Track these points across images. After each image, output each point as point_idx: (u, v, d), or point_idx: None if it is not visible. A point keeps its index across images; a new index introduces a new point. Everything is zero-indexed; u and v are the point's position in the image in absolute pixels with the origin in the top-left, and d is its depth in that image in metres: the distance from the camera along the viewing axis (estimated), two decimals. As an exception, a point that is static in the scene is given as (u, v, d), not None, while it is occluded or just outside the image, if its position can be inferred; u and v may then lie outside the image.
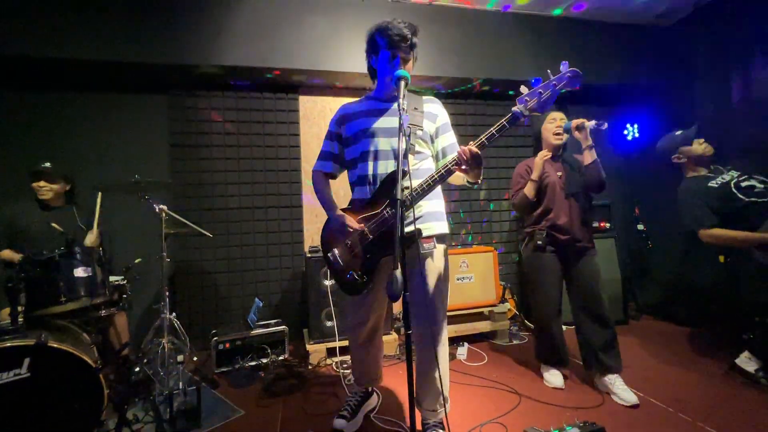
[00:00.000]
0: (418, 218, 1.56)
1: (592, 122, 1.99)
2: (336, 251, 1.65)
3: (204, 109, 3.05)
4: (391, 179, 1.51)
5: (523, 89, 1.37)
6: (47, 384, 1.57)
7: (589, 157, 2.06)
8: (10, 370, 1.50)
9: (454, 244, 3.50)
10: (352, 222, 1.56)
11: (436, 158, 1.68)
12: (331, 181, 1.80)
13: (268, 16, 2.79)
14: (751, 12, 2.89)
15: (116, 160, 2.92)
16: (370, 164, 1.59)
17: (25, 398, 1.52)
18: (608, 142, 3.90)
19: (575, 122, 2.05)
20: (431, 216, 1.60)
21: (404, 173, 1.37)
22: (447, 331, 1.67)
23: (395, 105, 1.58)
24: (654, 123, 3.63)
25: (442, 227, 1.64)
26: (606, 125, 1.95)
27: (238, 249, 3.09)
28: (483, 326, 2.95)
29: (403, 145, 1.25)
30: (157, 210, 2.23)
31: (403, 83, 1.39)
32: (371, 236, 1.54)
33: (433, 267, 1.59)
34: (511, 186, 2.30)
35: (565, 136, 2.15)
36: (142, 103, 3.00)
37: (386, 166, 1.57)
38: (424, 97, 1.70)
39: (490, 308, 2.98)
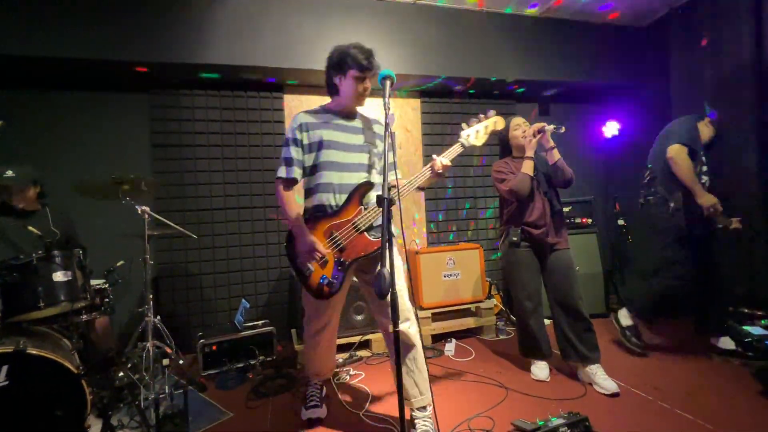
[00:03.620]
0: (378, 225, 1.67)
1: (551, 126, 2.08)
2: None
3: (186, 108, 3.00)
4: (361, 188, 1.68)
5: (464, 126, 1.76)
6: (27, 392, 1.52)
7: (552, 157, 2.16)
8: (-12, 379, 1.46)
9: (440, 242, 3.54)
10: (321, 247, 1.63)
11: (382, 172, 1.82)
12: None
13: (253, 14, 2.76)
14: (722, 12, 3.00)
15: (96, 161, 2.85)
16: (334, 174, 1.69)
17: (4, 407, 1.47)
18: (588, 140, 4.00)
19: (535, 126, 2.14)
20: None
21: (371, 184, 1.70)
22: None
23: (354, 121, 1.78)
24: (633, 121, 3.74)
25: (394, 231, 1.73)
26: (564, 129, 2.04)
27: (223, 250, 3.05)
28: (470, 322, 2.99)
29: (390, 143, 1.33)
30: (139, 211, 2.18)
31: (389, 82, 1.42)
32: (343, 243, 1.64)
33: (398, 264, 1.73)
34: (498, 181, 2.29)
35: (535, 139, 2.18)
36: (122, 102, 2.93)
37: (349, 177, 1.70)
38: (371, 118, 1.86)
39: (476, 304, 3.02)
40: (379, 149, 1.80)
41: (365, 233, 1.66)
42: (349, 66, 1.65)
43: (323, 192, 1.69)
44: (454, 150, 1.70)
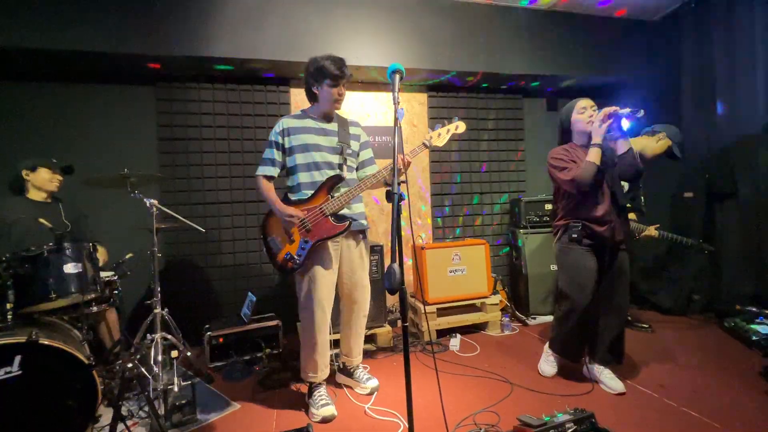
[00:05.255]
0: (353, 217, 1.98)
1: (626, 110, 1.88)
2: (276, 237, 1.98)
3: (193, 102, 3.00)
4: (331, 180, 1.93)
5: (429, 130, 2.04)
6: (40, 381, 1.55)
7: (623, 145, 1.95)
8: (1, 368, 1.48)
9: (448, 236, 3.53)
10: (296, 211, 1.90)
11: (357, 169, 2.12)
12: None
13: (258, 7, 2.75)
14: (735, 5, 2.94)
15: (104, 154, 2.86)
16: (315, 174, 1.96)
17: (17, 396, 1.50)
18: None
19: (606, 110, 1.93)
20: (362, 215, 2.09)
21: (341, 178, 1.94)
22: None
23: (331, 124, 2.03)
24: (643, 117, 3.69)
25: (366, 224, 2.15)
26: (643, 112, 1.84)
27: (230, 243, 3.07)
28: (475, 318, 2.99)
29: (398, 139, 1.32)
30: (147, 204, 2.19)
31: (398, 76, 1.42)
32: (309, 225, 1.89)
33: (366, 252, 2.15)
34: (556, 169, 2.06)
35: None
36: (129, 96, 2.94)
37: (325, 174, 1.96)
38: (349, 120, 2.12)
39: (482, 300, 3.02)
40: (353, 148, 2.07)
41: (329, 218, 1.90)
42: (323, 76, 1.90)
43: (304, 189, 1.97)
44: (417, 149, 1.93)
